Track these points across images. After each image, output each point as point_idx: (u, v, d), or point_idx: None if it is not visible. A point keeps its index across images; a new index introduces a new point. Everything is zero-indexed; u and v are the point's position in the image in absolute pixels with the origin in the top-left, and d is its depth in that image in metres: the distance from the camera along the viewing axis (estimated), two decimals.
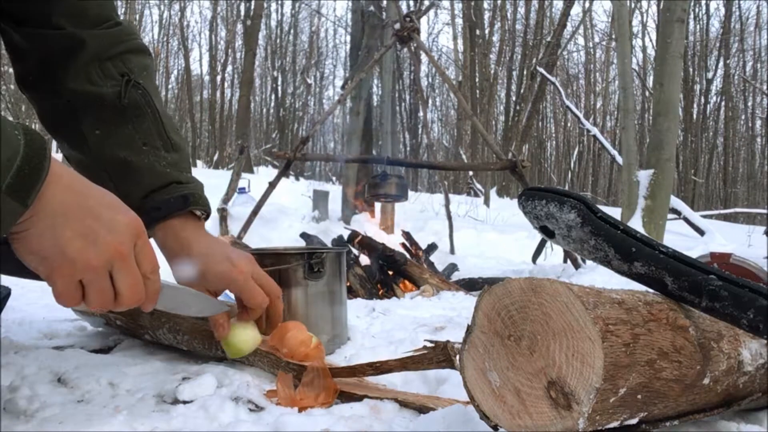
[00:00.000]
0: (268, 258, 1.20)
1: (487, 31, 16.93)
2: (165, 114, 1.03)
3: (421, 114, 17.68)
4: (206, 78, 24.76)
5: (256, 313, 0.94)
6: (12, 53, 0.99)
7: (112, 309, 0.73)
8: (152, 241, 0.87)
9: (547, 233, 0.79)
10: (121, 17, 1.06)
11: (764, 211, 13.44)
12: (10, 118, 0.64)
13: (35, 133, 0.63)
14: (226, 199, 3.93)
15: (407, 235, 3.17)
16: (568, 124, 24.46)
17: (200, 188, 1.01)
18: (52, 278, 0.67)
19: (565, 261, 3.43)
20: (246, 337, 0.95)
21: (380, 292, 2.41)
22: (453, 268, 3.37)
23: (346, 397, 0.94)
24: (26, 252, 0.66)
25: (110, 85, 0.97)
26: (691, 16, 19.58)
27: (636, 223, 4.26)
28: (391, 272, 2.49)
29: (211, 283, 0.92)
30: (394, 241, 3.07)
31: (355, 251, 2.60)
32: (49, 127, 1.02)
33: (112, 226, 0.69)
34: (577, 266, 3.06)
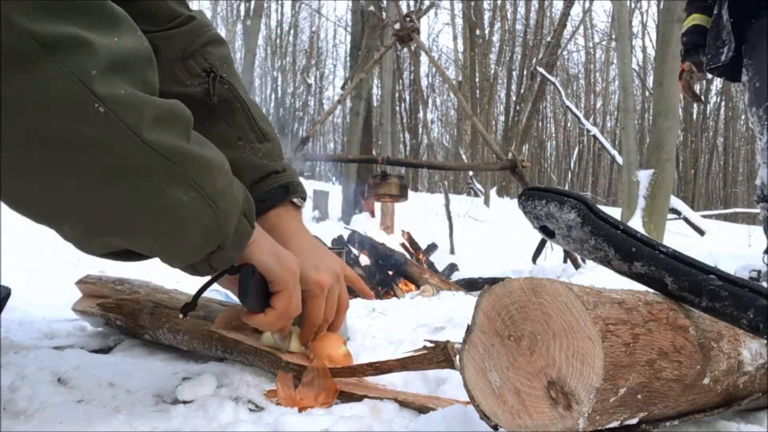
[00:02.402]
0: None
1: (487, 31, 16.94)
2: (252, 103, 1.02)
3: (421, 114, 17.68)
4: None
5: (307, 327, 0.99)
6: None
7: (294, 314, 0.92)
8: None
9: (547, 233, 0.79)
10: None
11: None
12: None
13: None
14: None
15: (407, 235, 3.17)
16: (568, 124, 24.47)
17: (296, 175, 1.04)
18: (285, 275, 0.85)
19: (565, 261, 3.43)
20: (297, 342, 1.02)
21: (381, 293, 2.41)
22: (453, 268, 3.37)
23: (346, 397, 0.94)
24: (264, 254, 0.82)
25: (197, 84, 0.96)
26: None
27: (636, 223, 4.26)
28: (391, 272, 2.50)
29: (303, 286, 0.95)
30: (394, 241, 3.07)
31: (355, 251, 2.60)
32: None
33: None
34: (577, 266, 3.06)
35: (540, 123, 23.11)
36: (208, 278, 0.87)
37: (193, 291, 0.95)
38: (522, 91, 16.46)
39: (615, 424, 0.65)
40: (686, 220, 6.45)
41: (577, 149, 23.35)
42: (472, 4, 15.78)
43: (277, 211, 0.98)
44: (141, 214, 0.63)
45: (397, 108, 17.96)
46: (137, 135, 0.58)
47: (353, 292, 2.40)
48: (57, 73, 0.53)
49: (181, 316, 0.88)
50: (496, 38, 18.00)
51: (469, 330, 0.69)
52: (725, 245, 6.02)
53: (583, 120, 11.06)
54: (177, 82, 0.96)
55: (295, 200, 1.01)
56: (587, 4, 19.88)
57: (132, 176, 0.60)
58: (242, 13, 20.36)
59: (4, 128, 0.52)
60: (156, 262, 0.77)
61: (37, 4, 0.52)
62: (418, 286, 2.38)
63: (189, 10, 1.00)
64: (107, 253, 0.70)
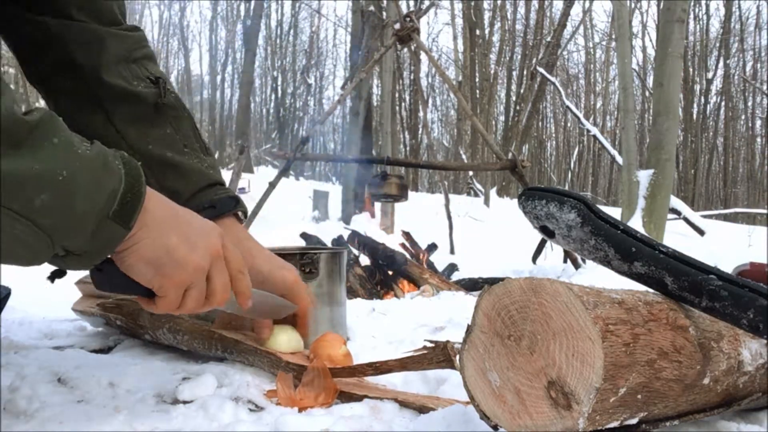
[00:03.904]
0: None
1: (487, 31, 16.94)
2: (194, 120, 1.06)
3: (421, 114, 17.68)
4: (206, 78, 24.78)
5: (305, 320, 1.00)
6: (27, 47, 0.99)
7: (202, 310, 0.80)
8: None
9: (547, 233, 0.79)
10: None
11: (764, 211, 13.45)
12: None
13: (131, 159, 0.70)
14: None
15: (407, 235, 3.17)
16: (568, 124, 24.47)
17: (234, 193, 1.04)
18: (165, 286, 0.74)
19: (565, 261, 3.43)
20: (287, 339, 1.03)
21: (381, 292, 2.41)
22: (453, 268, 3.37)
23: (346, 397, 0.94)
24: (141, 262, 0.72)
25: (143, 86, 0.98)
26: (691, 16, 19.60)
27: (636, 223, 4.25)
28: (391, 272, 2.49)
29: (272, 286, 0.96)
30: (394, 241, 3.07)
31: (355, 251, 2.60)
32: (69, 124, 1.02)
33: (204, 231, 0.77)
34: (577, 266, 3.06)
35: (540, 123, 23.11)
36: None
37: None
38: (522, 91, 16.46)
39: (615, 424, 0.65)
40: (686, 220, 6.45)
41: (577, 149, 23.36)
42: (472, 4, 15.78)
43: (225, 221, 0.99)
44: None
45: (397, 108, 17.96)
46: None
47: (353, 292, 2.39)
48: None
49: (47, 278, 0.81)
50: (496, 38, 18.01)
51: (469, 330, 0.69)
52: (725, 245, 6.02)
53: (583, 120, 11.06)
54: (122, 78, 0.98)
55: (239, 214, 1.03)
56: (587, 4, 19.89)
57: None
58: (242, 13, 20.37)
59: None
60: None
61: None
62: (418, 286, 2.38)
63: (130, 24, 1.04)
64: None
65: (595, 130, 10.62)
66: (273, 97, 25.33)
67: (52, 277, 0.78)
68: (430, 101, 23.25)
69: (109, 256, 0.71)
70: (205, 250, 0.76)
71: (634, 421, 0.67)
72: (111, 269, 0.73)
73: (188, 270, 0.74)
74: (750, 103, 23.32)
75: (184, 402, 0.89)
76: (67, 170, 0.63)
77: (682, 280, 0.71)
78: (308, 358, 1.03)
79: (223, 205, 0.99)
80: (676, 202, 6.17)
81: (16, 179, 0.60)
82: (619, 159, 6.56)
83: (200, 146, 1.03)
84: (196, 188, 0.98)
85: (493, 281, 0.68)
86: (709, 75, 21.31)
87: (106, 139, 0.75)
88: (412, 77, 18.26)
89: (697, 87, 20.79)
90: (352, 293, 2.29)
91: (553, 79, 12.84)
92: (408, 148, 19.12)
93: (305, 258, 1.20)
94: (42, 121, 0.62)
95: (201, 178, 0.99)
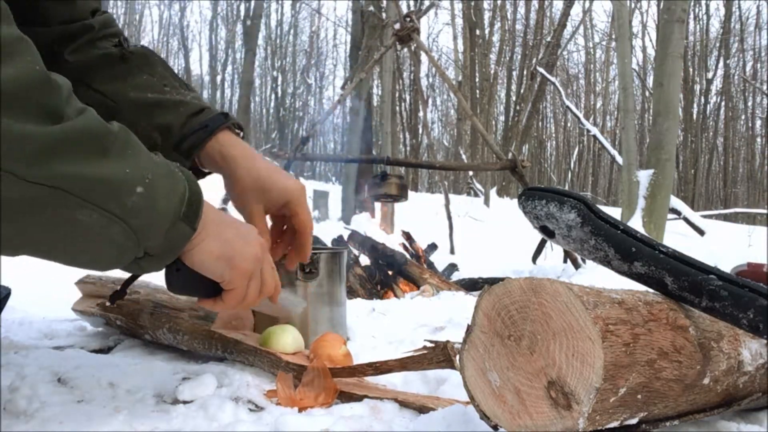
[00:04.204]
0: None
1: (487, 31, 16.93)
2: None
3: (421, 114, 17.68)
4: (206, 78, 24.77)
5: (305, 235, 0.98)
6: None
7: (255, 303, 0.85)
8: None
9: (547, 233, 0.79)
10: (121, 17, 1.07)
11: (764, 211, 13.44)
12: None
13: (185, 168, 0.76)
14: (227, 199, 3.93)
15: (407, 235, 3.17)
16: (568, 124, 24.47)
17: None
18: (234, 277, 0.80)
19: (565, 261, 3.43)
20: (292, 340, 1.03)
21: (381, 293, 2.41)
22: (453, 268, 3.36)
23: (346, 397, 0.94)
24: (212, 258, 0.78)
25: (112, 45, 1.00)
26: (691, 16, 19.59)
27: (636, 223, 4.25)
28: (391, 272, 2.49)
29: (274, 196, 0.96)
30: (394, 241, 3.07)
31: (355, 251, 2.60)
32: None
33: (246, 227, 0.85)
34: (577, 266, 3.06)
35: (540, 123, 23.10)
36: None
37: None
38: (522, 91, 16.45)
39: (615, 424, 0.65)
40: (686, 220, 6.45)
41: (577, 149, 23.34)
42: (472, 4, 15.77)
43: (220, 137, 0.98)
44: (47, 238, 0.66)
45: (397, 108, 17.96)
46: (12, 172, 0.60)
47: (353, 292, 2.39)
48: None
49: (107, 303, 0.87)
50: (496, 38, 18.00)
51: (469, 330, 0.69)
52: (725, 245, 6.02)
53: (583, 120, 11.06)
54: (94, 47, 0.99)
55: (234, 127, 1.02)
56: (587, 4, 19.87)
57: (25, 208, 0.62)
58: (242, 13, 20.37)
59: None
60: None
61: None
62: (418, 286, 2.38)
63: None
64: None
65: (595, 130, 10.62)
66: (273, 97, 25.33)
67: (113, 299, 0.86)
68: (430, 101, 23.25)
69: (177, 257, 0.77)
70: (256, 242, 0.83)
71: (634, 421, 0.67)
72: (185, 270, 0.79)
73: (250, 260, 0.81)
74: (750, 103, 23.32)
75: (184, 402, 0.89)
76: (151, 174, 0.70)
77: (682, 280, 0.71)
78: (308, 358, 1.03)
79: (214, 122, 0.99)
80: (676, 202, 6.17)
81: (112, 182, 0.66)
82: (619, 159, 6.56)
83: (180, 83, 1.04)
84: (185, 117, 0.99)
85: (493, 281, 0.68)
86: (709, 75, 21.30)
87: (90, 103, 0.78)
88: (412, 77, 18.26)
89: (697, 87, 20.78)
90: (352, 293, 2.29)
91: (553, 79, 12.83)
92: (408, 148, 19.11)
93: None
94: (121, 128, 0.68)
95: (188, 107, 1.00)
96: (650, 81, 15.72)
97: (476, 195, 13.43)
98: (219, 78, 24.78)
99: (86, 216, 0.65)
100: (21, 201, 0.62)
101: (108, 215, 0.66)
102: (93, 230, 0.67)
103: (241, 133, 1.03)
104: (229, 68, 24.97)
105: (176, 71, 1.08)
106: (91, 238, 0.67)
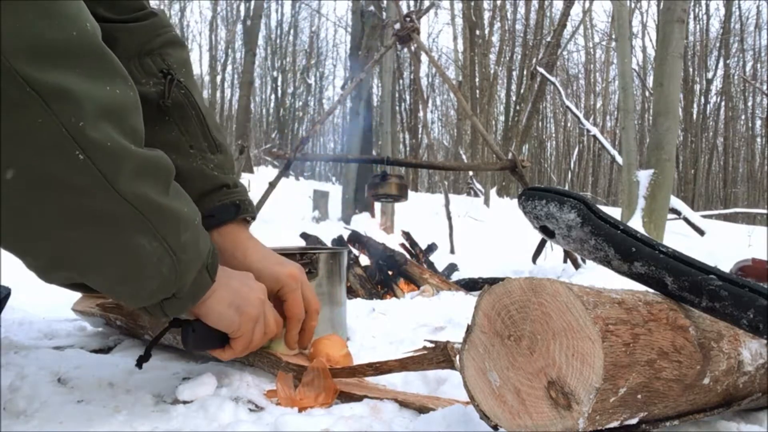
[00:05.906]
0: None
1: (487, 31, 16.92)
2: (208, 113, 0.99)
3: (421, 114, 17.67)
4: (206, 78, 24.77)
5: (292, 323, 0.97)
6: None
7: (260, 345, 0.91)
8: None
9: (547, 233, 0.79)
10: None
11: (764, 211, 13.45)
12: None
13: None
14: None
15: (407, 235, 3.17)
16: (568, 124, 24.47)
17: (245, 193, 1.01)
18: (244, 323, 0.85)
19: (565, 261, 3.43)
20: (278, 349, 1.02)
21: (381, 293, 2.41)
22: (453, 268, 3.36)
23: (346, 397, 0.94)
24: (224, 305, 0.83)
25: (152, 84, 0.93)
26: (691, 16, 19.60)
27: (636, 223, 4.25)
28: (391, 272, 2.49)
29: (266, 284, 0.94)
30: (394, 241, 3.07)
31: (355, 251, 2.60)
32: None
33: (245, 274, 0.89)
34: (577, 266, 3.06)
35: (540, 123, 23.12)
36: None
37: None
38: (522, 91, 16.45)
39: (615, 424, 0.65)
40: (686, 220, 6.46)
41: (577, 149, 23.34)
42: (472, 4, 15.77)
43: (226, 228, 0.97)
44: (102, 256, 0.66)
45: (397, 108, 17.95)
46: (111, 184, 0.60)
47: (353, 292, 2.39)
48: (46, 119, 0.56)
49: (136, 366, 0.90)
50: (496, 38, 17.99)
51: (469, 330, 0.69)
52: (725, 245, 6.02)
53: (583, 120, 11.06)
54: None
55: (246, 218, 1.00)
56: (587, 4, 19.87)
57: (99, 221, 0.62)
58: (242, 13, 20.37)
59: None
60: None
61: (38, 50, 0.55)
62: (418, 286, 2.38)
63: (150, 7, 0.97)
64: (67, 284, 0.73)
65: (595, 130, 10.62)
66: (273, 97, 25.35)
67: (140, 362, 0.89)
68: (430, 101, 23.26)
69: (193, 307, 0.81)
70: (257, 287, 0.88)
71: (634, 421, 0.67)
72: (199, 329, 0.85)
73: (256, 304, 0.86)
74: (750, 103, 23.32)
75: (184, 402, 0.89)
76: (197, 217, 0.74)
77: (682, 280, 0.71)
78: (308, 358, 1.03)
79: (222, 215, 0.96)
80: (676, 202, 6.18)
81: (179, 218, 0.70)
82: (619, 159, 6.56)
83: (208, 145, 0.98)
84: (199, 193, 0.94)
85: (493, 281, 0.68)
86: (709, 75, 21.31)
87: None
88: (412, 77, 18.25)
89: (697, 87, 20.79)
90: (352, 293, 2.29)
91: (553, 79, 12.83)
92: (408, 148, 19.11)
93: (305, 258, 1.20)
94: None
95: (205, 181, 0.96)
96: (650, 81, 15.73)
97: (476, 195, 13.43)
98: (219, 78, 24.79)
99: (148, 243, 0.67)
100: (101, 212, 0.62)
101: (166, 247, 0.68)
102: (149, 259, 0.68)
103: (252, 220, 1.02)
104: (229, 68, 25.01)
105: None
106: (143, 266, 0.68)
